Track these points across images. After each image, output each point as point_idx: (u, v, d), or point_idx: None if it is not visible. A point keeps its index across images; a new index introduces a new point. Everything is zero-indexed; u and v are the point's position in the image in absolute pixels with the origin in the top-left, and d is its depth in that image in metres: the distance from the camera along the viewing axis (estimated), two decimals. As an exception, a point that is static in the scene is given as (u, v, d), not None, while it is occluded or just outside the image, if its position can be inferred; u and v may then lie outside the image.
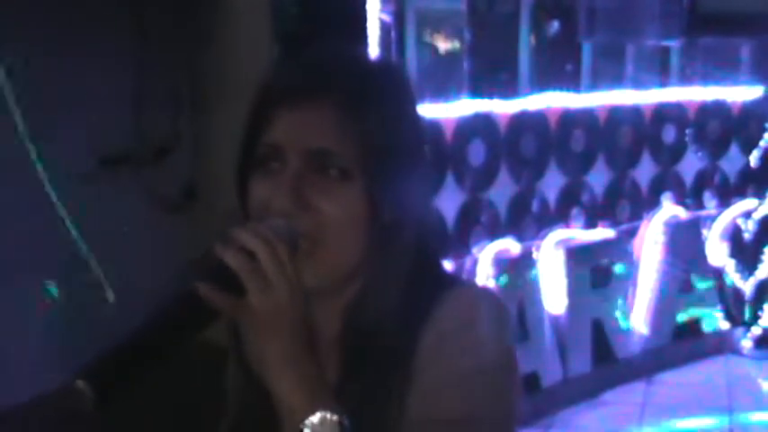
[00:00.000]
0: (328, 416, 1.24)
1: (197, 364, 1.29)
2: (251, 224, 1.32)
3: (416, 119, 1.49)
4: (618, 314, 5.76)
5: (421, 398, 1.35)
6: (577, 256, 5.50)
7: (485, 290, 1.57)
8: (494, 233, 5.23)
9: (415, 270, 1.42)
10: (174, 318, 1.24)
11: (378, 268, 1.41)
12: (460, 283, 1.49)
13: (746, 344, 6.32)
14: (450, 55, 5.31)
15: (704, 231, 6.32)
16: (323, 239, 1.36)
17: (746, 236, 6.43)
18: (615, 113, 5.89)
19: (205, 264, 1.26)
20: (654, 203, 6.15)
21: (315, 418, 1.24)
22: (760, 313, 6.33)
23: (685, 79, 6.41)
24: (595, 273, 5.64)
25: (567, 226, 5.66)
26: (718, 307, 6.32)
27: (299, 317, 1.28)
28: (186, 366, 1.36)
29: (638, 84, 6.14)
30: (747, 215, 6.41)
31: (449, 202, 5.07)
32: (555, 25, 5.87)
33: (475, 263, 5.05)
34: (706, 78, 6.40)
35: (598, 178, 5.89)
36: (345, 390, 1.37)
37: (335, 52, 1.48)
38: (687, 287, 6.18)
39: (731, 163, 6.55)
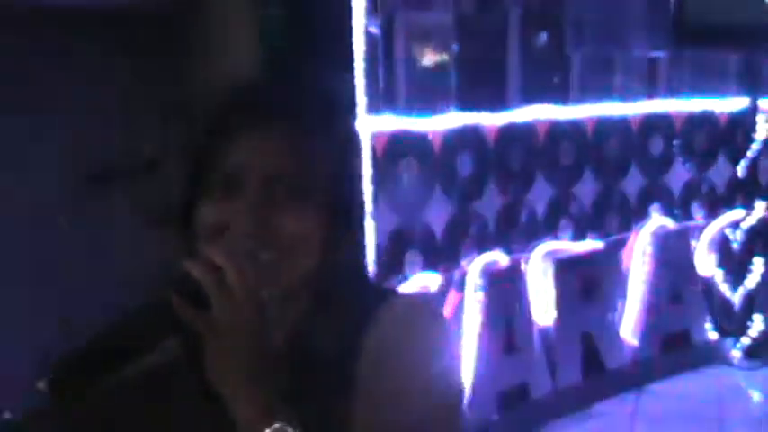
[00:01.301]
0: (282, 428, 1.28)
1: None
2: (220, 241, 1.37)
3: (354, 140, 1.58)
4: (607, 325, 5.77)
5: (367, 407, 1.38)
6: (566, 267, 5.51)
7: (413, 299, 1.62)
8: (482, 245, 5.24)
9: (353, 287, 1.48)
10: (138, 325, 1.27)
11: (326, 281, 1.46)
12: (392, 295, 1.53)
13: (736, 354, 6.33)
14: (438, 68, 5.32)
15: (692, 242, 6.34)
16: (283, 256, 1.40)
17: (735, 246, 6.45)
18: (603, 125, 5.90)
19: (174, 277, 1.29)
20: (642, 215, 6.16)
21: (270, 430, 1.28)
22: (749, 323, 6.35)
23: (673, 91, 6.43)
24: (584, 284, 5.65)
25: (556, 238, 5.66)
26: (708, 317, 6.33)
27: (259, 333, 1.31)
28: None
29: (625, 95, 6.15)
30: (735, 225, 6.44)
31: (437, 215, 5.08)
32: (543, 37, 5.88)
33: (463, 275, 5.06)
34: (693, 90, 6.42)
35: (586, 190, 5.90)
36: (295, 397, 1.39)
37: (280, 78, 1.55)
38: (676, 298, 6.19)
39: (719, 174, 6.57)
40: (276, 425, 1.27)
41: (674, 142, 6.31)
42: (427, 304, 1.55)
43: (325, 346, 1.42)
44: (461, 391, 1.50)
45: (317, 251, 1.42)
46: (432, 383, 1.39)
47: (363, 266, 1.55)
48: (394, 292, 1.59)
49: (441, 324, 1.50)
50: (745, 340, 6.33)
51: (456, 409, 1.45)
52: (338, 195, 1.45)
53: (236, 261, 1.31)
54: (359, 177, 1.56)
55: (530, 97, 5.62)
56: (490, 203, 5.38)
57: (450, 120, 5.11)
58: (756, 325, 6.33)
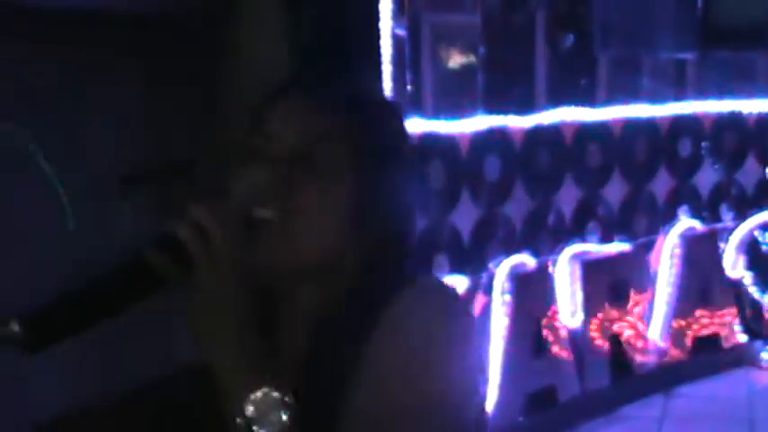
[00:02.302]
0: (269, 393, 1.26)
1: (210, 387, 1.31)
2: (208, 202, 1.34)
3: (398, 129, 1.53)
4: (635, 327, 5.75)
5: (365, 393, 1.34)
6: (594, 269, 5.49)
7: (435, 283, 1.56)
8: (510, 248, 5.23)
9: (379, 267, 1.44)
10: (120, 278, 1.26)
11: (345, 264, 1.42)
12: (413, 279, 1.48)
13: (765, 356, 6.30)
14: (465, 69, 5.32)
15: (721, 244, 6.31)
16: (293, 229, 1.37)
17: (764, 248, 6.42)
18: (631, 127, 5.88)
19: (159, 235, 1.28)
20: (670, 217, 6.14)
21: (255, 396, 1.26)
22: (778, 326, 6.32)
23: (701, 92, 6.40)
24: (612, 286, 5.64)
25: (584, 240, 5.65)
26: (737, 320, 6.30)
27: (241, 297, 1.30)
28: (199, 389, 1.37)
29: (653, 97, 6.13)
30: (764, 227, 6.40)
31: (465, 218, 5.08)
32: (570, 39, 5.87)
33: (491, 277, 5.05)
34: (721, 91, 6.39)
35: (614, 192, 5.89)
36: (310, 369, 1.39)
37: (332, 73, 1.56)
38: (705, 300, 6.16)
39: (747, 175, 6.54)
40: (261, 390, 1.26)
41: (703, 144, 6.28)
42: (448, 290, 1.47)
43: (345, 323, 1.40)
44: (475, 378, 1.43)
45: (332, 235, 1.40)
46: (442, 365, 1.35)
47: (394, 256, 1.48)
48: (421, 276, 1.53)
49: (457, 310, 1.45)
50: (775, 343, 6.30)
51: (467, 396, 1.39)
52: (371, 178, 1.42)
53: (227, 226, 1.30)
54: (400, 163, 1.49)
55: (557, 99, 5.62)
56: (518, 206, 5.37)
57: (477, 122, 5.11)
58: (786, 327, 6.30)
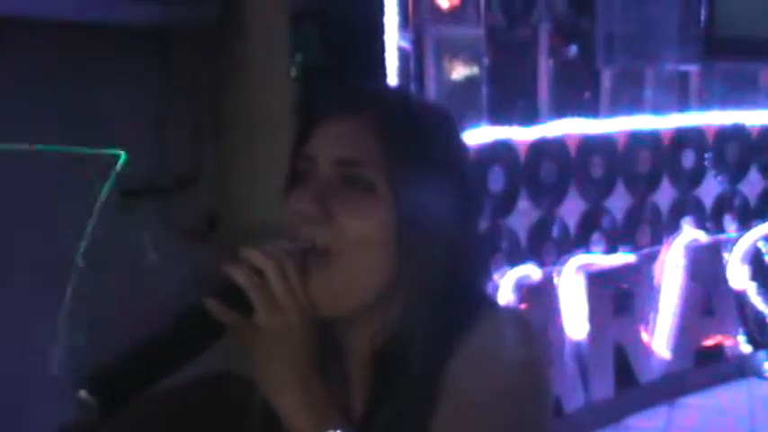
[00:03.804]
0: None
1: (223, 397, 1.30)
2: (260, 244, 1.31)
3: (455, 144, 1.48)
4: (639, 339, 5.75)
5: (445, 422, 1.31)
6: (598, 280, 5.50)
7: (514, 313, 1.52)
8: (514, 259, 5.24)
9: (446, 293, 1.38)
10: (181, 331, 1.24)
11: (405, 292, 1.38)
12: (491, 308, 1.44)
13: (769, 367, 6.31)
14: (469, 82, 5.33)
15: (725, 255, 6.31)
16: (338, 252, 1.33)
17: (767, 259, 6.42)
18: (634, 139, 5.89)
19: (215, 282, 1.26)
20: (674, 228, 6.14)
21: None
22: (782, 336, 6.32)
23: (704, 104, 6.41)
24: (616, 297, 5.64)
25: (588, 251, 5.66)
26: (741, 330, 6.30)
27: (306, 337, 1.28)
28: (212, 399, 1.37)
29: (656, 109, 6.14)
30: (768, 238, 6.41)
31: (469, 229, 5.07)
32: (573, 51, 5.89)
33: (496, 289, 5.06)
34: (725, 103, 6.40)
35: (618, 203, 5.89)
36: (373, 416, 1.36)
37: (386, 83, 1.53)
38: (709, 311, 6.16)
39: (751, 186, 6.54)
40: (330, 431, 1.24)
41: (706, 155, 6.29)
42: (527, 321, 1.43)
43: (417, 351, 1.35)
44: (548, 415, 1.43)
45: (380, 259, 1.36)
46: (519, 400, 1.33)
47: (458, 278, 1.42)
48: (497, 304, 1.51)
49: (537, 342, 1.42)
50: (779, 353, 6.30)
51: (540, 427, 1.39)
52: (414, 197, 1.36)
53: (279, 262, 1.27)
54: (452, 181, 1.42)
55: (561, 111, 5.63)
56: (522, 218, 5.38)
57: (481, 134, 5.12)
58: (789, 338, 6.30)
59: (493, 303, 1.49)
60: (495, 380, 1.32)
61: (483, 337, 1.35)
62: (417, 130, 1.40)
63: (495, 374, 1.32)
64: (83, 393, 1.16)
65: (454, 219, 1.42)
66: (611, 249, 5.79)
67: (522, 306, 5.09)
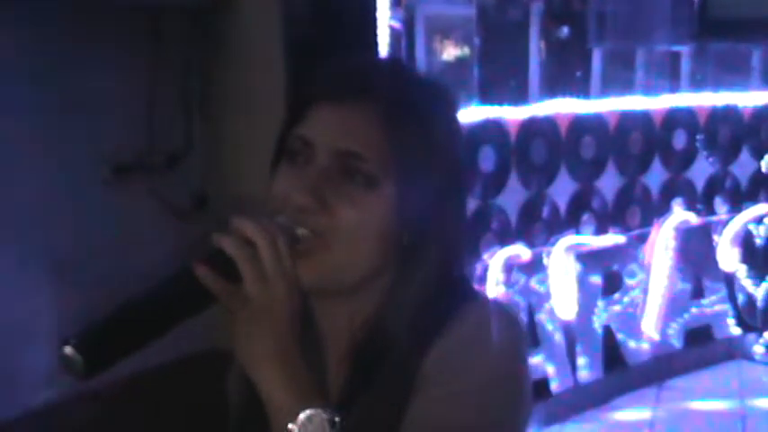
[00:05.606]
0: (317, 414, 1.22)
1: (205, 370, 1.28)
2: (252, 215, 1.29)
3: (455, 136, 1.45)
4: (628, 320, 5.76)
5: (424, 409, 1.30)
6: (588, 261, 5.50)
7: (498, 304, 1.51)
8: (504, 239, 5.24)
9: (436, 286, 1.38)
10: (168, 295, 1.23)
11: (398, 283, 1.38)
12: (475, 298, 1.43)
13: (758, 349, 6.31)
14: (460, 61, 5.32)
15: (715, 237, 6.32)
16: (332, 242, 1.32)
17: (758, 241, 6.43)
18: (625, 119, 5.89)
19: (205, 250, 1.24)
20: (664, 209, 6.14)
21: (303, 416, 1.21)
22: (772, 319, 6.33)
23: (696, 85, 6.41)
24: (606, 279, 5.65)
25: (578, 232, 5.66)
26: (730, 312, 6.31)
27: (292, 311, 1.26)
28: (195, 372, 1.36)
29: (648, 89, 6.13)
30: (759, 220, 6.41)
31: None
32: (564, 31, 5.87)
33: (485, 269, 5.06)
34: (716, 84, 6.40)
35: (608, 184, 5.89)
36: (352, 396, 1.35)
37: (384, 60, 1.49)
38: (698, 293, 6.17)
39: (742, 168, 6.55)
40: (309, 411, 1.21)
41: (697, 136, 6.28)
42: (509, 311, 1.41)
43: (398, 340, 1.35)
44: (528, 403, 1.39)
45: (374, 250, 1.35)
46: (498, 390, 1.32)
47: (449, 271, 1.41)
48: (480, 295, 1.48)
49: (514, 329, 1.39)
50: (768, 335, 6.31)
51: (519, 416, 1.36)
52: (414, 191, 1.35)
53: (271, 235, 1.25)
54: (449, 176, 1.40)
55: (552, 91, 5.62)
56: (512, 197, 5.37)
57: (471, 114, 5.11)
58: (779, 320, 6.31)
59: (475, 292, 1.48)
60: (475, 369, 1.31)
61: (465, 326, 1.34)
62: (423, 120, 1.38)
63: (476, 364, 1.32)
64: (68, 350, 1.15)
65: (450, 208, 1.41)
66: (601, 230, 5.79)
67: (511, 286, 5.09)
